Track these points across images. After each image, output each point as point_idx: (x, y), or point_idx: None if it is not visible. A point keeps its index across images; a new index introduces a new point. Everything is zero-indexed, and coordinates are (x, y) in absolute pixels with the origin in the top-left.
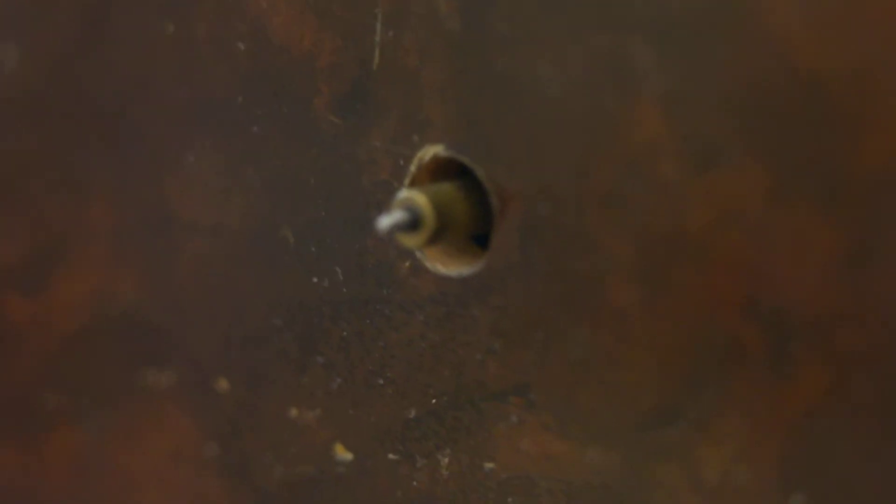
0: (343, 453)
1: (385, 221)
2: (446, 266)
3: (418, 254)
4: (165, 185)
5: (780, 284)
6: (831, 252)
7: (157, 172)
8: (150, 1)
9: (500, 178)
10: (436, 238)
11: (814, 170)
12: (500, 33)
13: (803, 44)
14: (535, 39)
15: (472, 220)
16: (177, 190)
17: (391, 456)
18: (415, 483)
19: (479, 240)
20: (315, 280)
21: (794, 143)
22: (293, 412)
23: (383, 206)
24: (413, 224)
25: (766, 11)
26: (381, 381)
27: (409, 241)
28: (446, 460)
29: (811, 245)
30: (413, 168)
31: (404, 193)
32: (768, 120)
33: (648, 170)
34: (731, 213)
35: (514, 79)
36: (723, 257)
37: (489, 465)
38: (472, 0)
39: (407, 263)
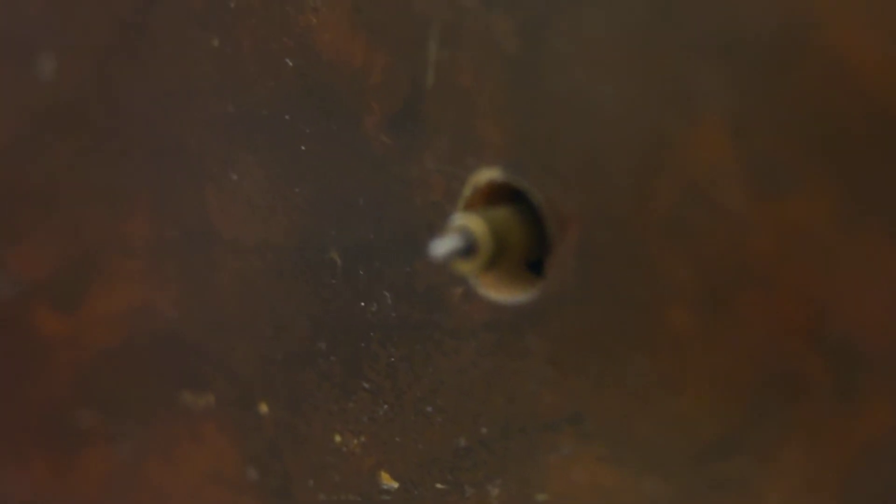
0: (389, 482)
1: (440, 248)
2: (499, 292)
3: (471, 279)
4: (207, 201)
5: (847, 314)
6: None
7: (198, 187)
8: (192, 13)
9: (557, 201)
10: (491, 264)
11: (883, 197)
12: (558, 53)
13: (876, 72)
14: (594, 59)
15: (528, 246)
16: (219, 206)
17: (439, 485)
18: None
19: (534, 266)
20: (363, 304)
21: (864, 171)
22: (337, 438)
23: (435, 229)
24: (469, 250)
25: (833, 35)
26: (429, 409)
27: (464, 267)
28: (496, 490)
29: (880, 274)
30: (467, 191)
31: (459, 219)
32: (838, 147)
33: (712, 194)
34: (798, 240)
35: (572, 100)
36: (788, 285)
37: (541, 496)
38: (529, 19)
39: (459, 289)
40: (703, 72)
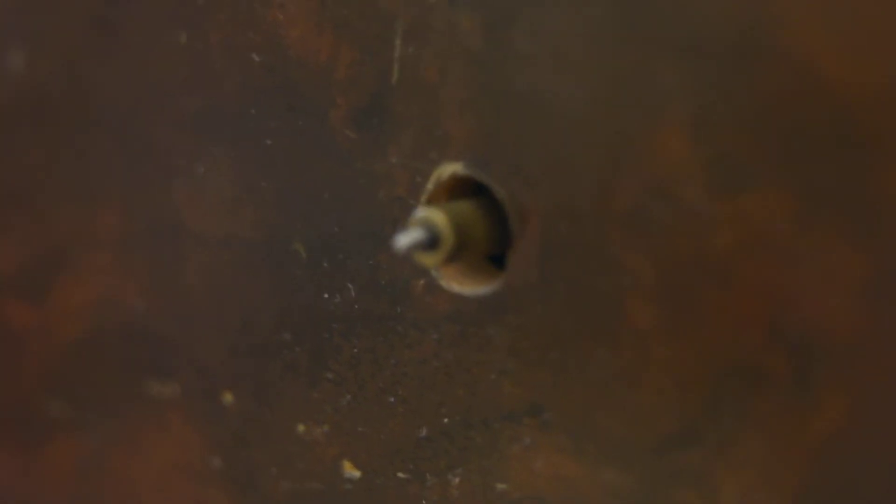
0: (351, 470)
1: (403, 240)
2: (462, 285)
3: (434, 272)
4: (174, 195)
5: (804, 310)
6: (857, 278)
7: (166, 181)
8: (161, 9)
9: (520, 196)
10: (453, 257)
11: (840, 194)
12: (522, 51)
13: (830, 68)
14: (557, 57)
15: (490, 239)
16: (186, 200)
17: (400, 475)
18: (424, 503)
19: (496, 260)
20: (326, 295)
21: (820, 168)
22: (301, 427)
23: (399, 222)
24: (431, 243)
25: (792, 36)
26: (392, 399)
27: (427, 259)
28: (457, 480)
29: (837, 271)
30: (430, 185)
31: (422, 211)
32: (795, 144)
33: (672, 191)
34: (757, 236)
35: (536, 97)
36: (747, 281)
37: (501, 486)
38: (494, 16)
39: (422, 281)
40: (665, 71)
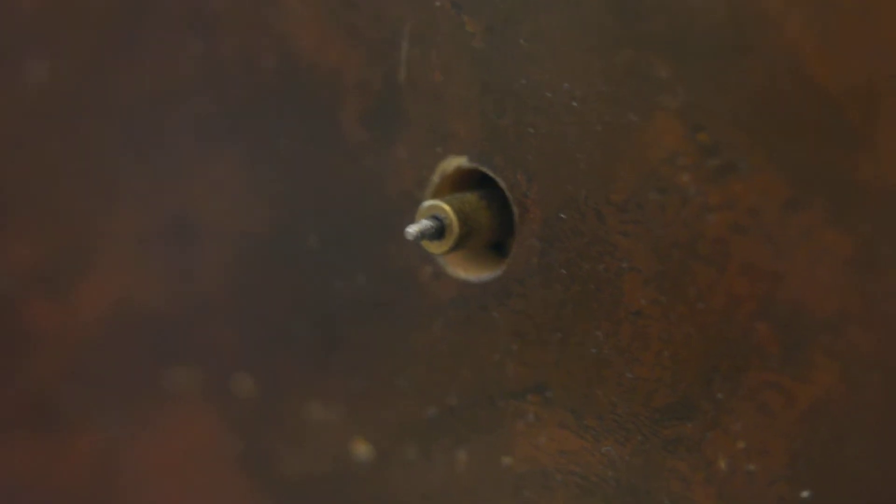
0: (363, 451)
1: (413, 229)
2: (467, 271)
3: (440, 260)
4: (191, 193)
5: (793, 287)
6: (842, 257)
7: (183, 181)
8: (177, 16)
9: (521, 187)
10: (459, 245)
11: (825, 178)
12: (523, 50)
13: (814, 58)
14: (557, 55)
15: (494, 228)
16: (202, 198)
17: (410, 453)
18: (432, 478)
19: (498, 248)
20: (338, 284)
21: (807, 154)
22: (314, 411)
23: (406, 214)
24: (439, 232)
25: (779, 27)
26: (401, 382)
27: (435, 248)
28: (464, 456)
29: (823, 251)
30: (436, 178)
31: (430, 202)
32: (783, 131)
33: (667, 178)
34: (748, 219)
35: (536, 93)
36: (738, 261)
37: (506, 460)
38: (496, 19)
39: (429, 269)
40: (656, 65)
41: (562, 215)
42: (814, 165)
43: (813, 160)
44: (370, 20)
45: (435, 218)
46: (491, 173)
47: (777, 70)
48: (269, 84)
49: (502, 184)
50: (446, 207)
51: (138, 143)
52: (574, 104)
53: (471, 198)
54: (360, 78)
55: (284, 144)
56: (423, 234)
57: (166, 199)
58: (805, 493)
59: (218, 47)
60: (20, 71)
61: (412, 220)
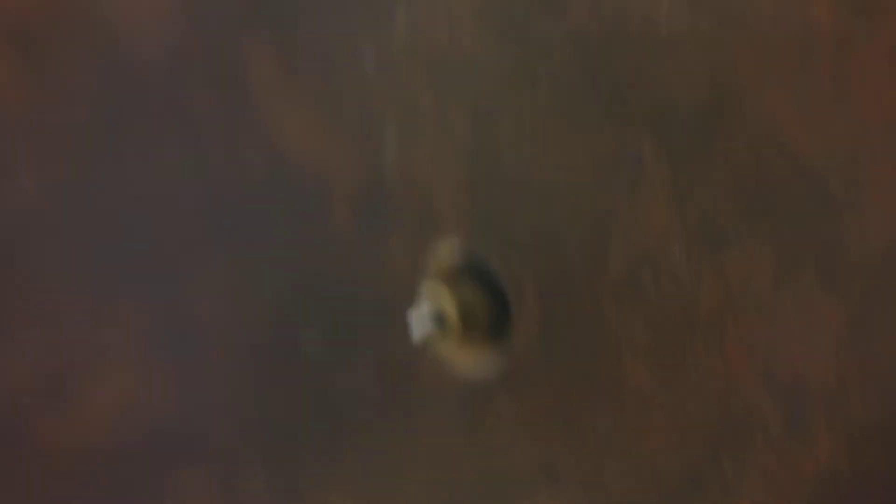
0: None
1: (418, 333)
2: (468, 359)
3: (440, 348)
4: (189, 291)
5: (791, 358)
6: (837, 325)
7: (179, 279)
8: (165, 118)
9: (515, 268)
10: (459, 334)
11: (814, 249)
12: (507, 136)
13: (797, 134)
14: (542, 138)
15: (492, 313)
16: (199, 296)
17: None
18: None
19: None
20: (339, 377)
21: (795, 226)
22: (327, 499)
23: (403, 304)
24: (440, 328)
25: (762, 106)
26: (407, 471)
27: (437, 343)
28: None
29: (818, 320)
30: (430, 267)
31: (426, 300)
32: (770, 205)
33: (659, 255)
34: (740, 293)
35: (522, 177)
36: (734, 335)
37: None
38: (480, 108)
39: (429, 358)
40: (638, 142)
41: (558, 296)
42: (801, 234)
43: (802, 232)
44: (355, 116)
45: (437, 319)
46: (484, 258)
47: (758, 141)
48: (258, 182)
49: (496, 267)
50: (446, 302)
51: (132, 241)
52: (559, 186)
53: (468, 287)
54: (348, 173)
55: (277, 238)
56: (426, 336)
57: (163, 297)
58: None
59: (204, 146)
60: (7, 179)
61: (409, 307)
